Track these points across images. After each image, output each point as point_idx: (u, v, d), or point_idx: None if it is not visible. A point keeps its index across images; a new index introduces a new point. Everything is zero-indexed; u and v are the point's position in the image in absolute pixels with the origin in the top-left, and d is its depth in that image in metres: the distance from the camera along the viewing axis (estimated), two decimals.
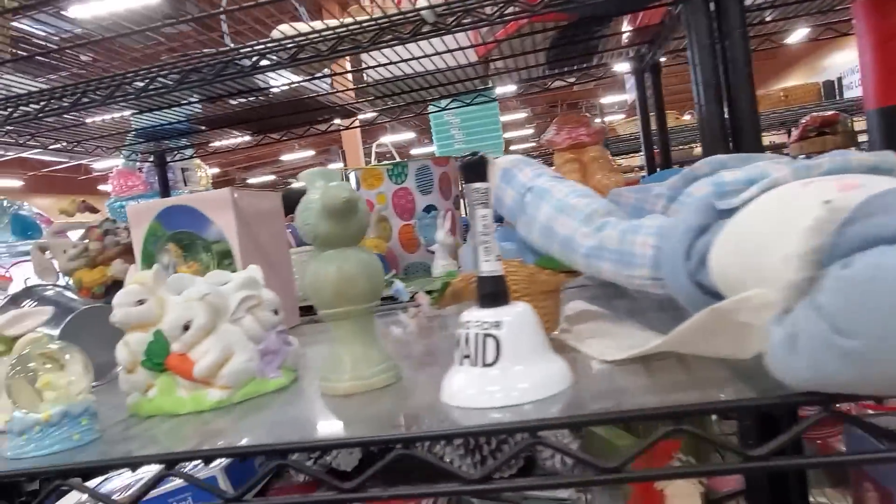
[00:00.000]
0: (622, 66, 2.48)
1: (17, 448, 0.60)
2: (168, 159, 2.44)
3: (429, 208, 1.97)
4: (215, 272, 0.77)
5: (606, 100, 14.03)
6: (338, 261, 0.64)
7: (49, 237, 1.18)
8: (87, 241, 1.19)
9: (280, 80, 1.78)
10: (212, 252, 1.14)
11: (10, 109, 1.56)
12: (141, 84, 1.50)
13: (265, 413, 0.64)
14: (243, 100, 1.95)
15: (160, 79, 1.49)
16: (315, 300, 0.66)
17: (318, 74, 1.92)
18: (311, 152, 15.79)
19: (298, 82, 1.80)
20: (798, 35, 2.04)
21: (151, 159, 2.43)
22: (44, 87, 1.53)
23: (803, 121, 3.14)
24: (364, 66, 1.92)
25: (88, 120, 2.00)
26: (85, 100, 1.55)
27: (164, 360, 0.67)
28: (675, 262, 0.54)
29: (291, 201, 2.27)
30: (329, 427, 0.58)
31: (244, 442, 0.55)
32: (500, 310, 0.55)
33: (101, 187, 14.09)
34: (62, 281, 1.21)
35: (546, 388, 0.53)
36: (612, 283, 0.66)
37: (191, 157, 2.48)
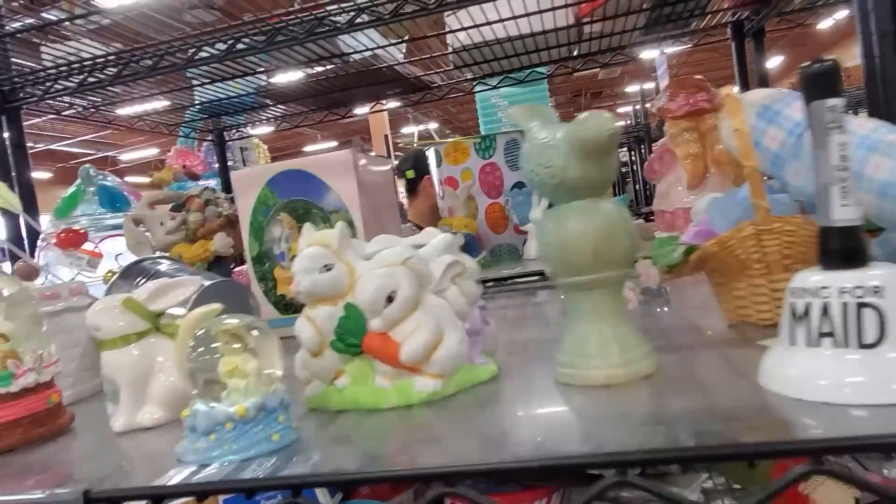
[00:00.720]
0: (650, 54, 2.32)
1: (204, 450, 0.46)
2: (227, 138, 2.31)
3: (518, 185, 1.83)
4: (382, 236, 0.63)
5: (631, 88, 13.77)
6: (597, 214, 0.50)
7: (143, 208, 1.05)
8: (186, 212, 1.05)
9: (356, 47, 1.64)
10: (330, 223, 1.00)
11: (84, 74, 1.44)
12: (223, 46, 1.37)
13: (495, 409, 0.50)
14: (318, 68, 1.81)
15: (246, 39, 1.36)
16: (559, 264, 0.51)
17: (398, 40, 1.78)
18: (333, 143, 15.68)
19: (384, 46, 1.66)
20: (830, 21, 1.90)
21: (210, 138, 2.31)
22: (121, 48, 1.41)
23: None
24: (448, 29, 1.78)
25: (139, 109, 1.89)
26: (164, 63, 1.43)
27: (360, 341, 0.54)
28: None
29: (422, 163, 2.12)
30: (640, 434, 0.42)
31: (527, 452, 0.41)
32: (873, 271, 0.40)
33: (129, 178, 14.12)
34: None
35: None
36: None
37: (249, 136, 2.35)
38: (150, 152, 12.08)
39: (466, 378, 0.56)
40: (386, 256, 0.55)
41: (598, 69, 2.23)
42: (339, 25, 1.31)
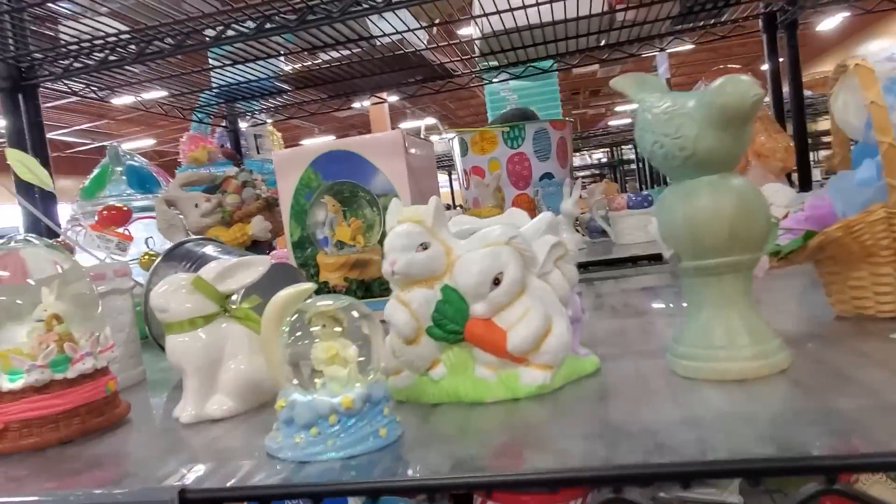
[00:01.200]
0: (677, 46, 2.29)
1: (304, 446, 0.41)
2: (241, 124, 2.26)
3: (546, 176, 1.78)
4: (460, 216, 0.59)
5: None
6: (732, 191, 0.45)
7: (175, 189, 0.99)
8: (222, 194, 1.00)
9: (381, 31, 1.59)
10: (377, 206, 0.95)
11: (105, 52, 1.38)
12: (253, 24, 1.32)
13: (618, 404, 0.45)
14: (344, 52, 1.76)
15: (278, 17, 1.31)
16: (686, 245, 0.47)
17: (428, 24, 1.73)
18: (331, 137, 15.57)
19: (414, 30, 1.61)
20: (831, 22, 1.88)
21: (224, 124, 2.25)
22: (146, 25, 1.35)
23: None
24: (475, 14, 1.72)
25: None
26: (189, 42, 1.37)
27: (462, 327, 0.49)
28: None
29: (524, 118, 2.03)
30: (834, 435, 0.36)
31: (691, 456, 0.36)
32: None
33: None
34: None
35: None
36: None
37: (264, 122, 2.29)
38: (147, 142, 11.96)
39: (572, 370, 0.51)
40: (487, 235, 0.50)
41: (597, 64, 2.19)
42: (375, 3, 1.26)
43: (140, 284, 0.78)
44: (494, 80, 2.13)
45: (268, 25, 1.28)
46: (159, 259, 0.78)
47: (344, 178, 0.96)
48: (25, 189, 1.42)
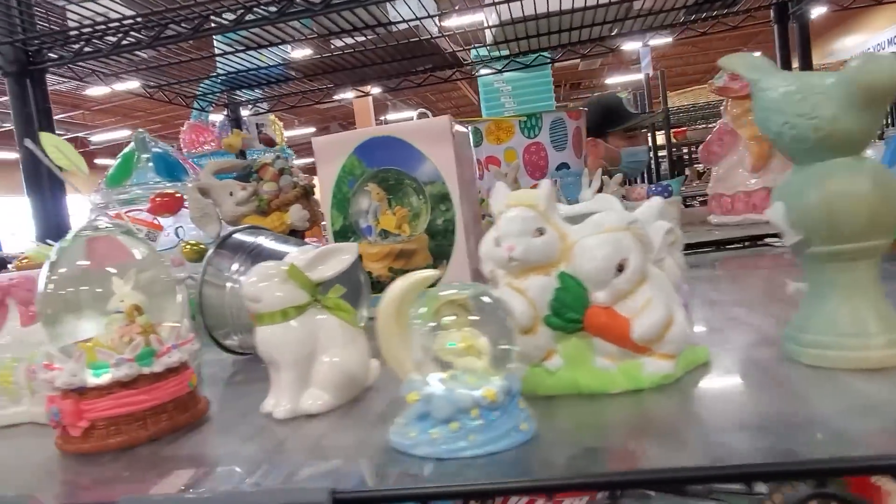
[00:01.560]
0: (632, 45, 2.29)
1: (443, 441, 0.39)
2: (242, 113, 2.21)
3: (562, 166, 1.76)
4: (601, 195, 0.56)
5: (612, 80, 13.80)
6: (870, 173, 0.44)
7: (208, 177, 0.96)
8: (258, 181, 0.97)
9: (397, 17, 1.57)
10: (424, 195, 0.92)
11: (119, 36, 1.33)
12: (276, 8, 1.28)
13: (759, 395, 0.43)
14: (354, 39, 1.72)
15: (300, 0, 1.27)
16: (820, 230, 0.45)
17: (446, 10, 1.70)
18: (311, 129, 15.41)
19: (434, 16, 1.58)
20: (811, 15, 1.91)
21: (226, 113, 2.20)
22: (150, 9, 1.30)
23: None
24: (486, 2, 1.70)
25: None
26: (208, 26, 1.33)
27: (582, 316, 0.47)
28: None
29: (609, 110, 2.03)
30: None
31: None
32: None
33: (98, 161, 13.65)
34: (224, 230, 0.99)
35: None
36: None
37: (268, 111, 2.25)
38: (122, 133, 11.71)
39: (688, 360, 0.49)
40: (604, 220, 0.48)
41: (579, 59, 2.18)
42: None
43: (192, 277, 0.75)
44: (503, 69, 2.10)
45: (291, 9, 1.25)
46: (211, 250, 0.74)
47: (389, 166, 0.93)
48: (34, 179, 1.37)
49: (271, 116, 2.20)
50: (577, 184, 1.64)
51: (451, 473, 0.36)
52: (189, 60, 1.70)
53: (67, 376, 0.48)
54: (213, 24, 1.31)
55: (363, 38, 1.68)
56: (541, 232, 0.47)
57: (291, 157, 2.04)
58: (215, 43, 1.75)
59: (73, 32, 1.34)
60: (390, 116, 13.15)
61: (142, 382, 0.49)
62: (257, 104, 2.21)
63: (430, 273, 0.44)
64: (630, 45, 2.28)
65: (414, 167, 0.92)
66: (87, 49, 1.36)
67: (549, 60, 2.13)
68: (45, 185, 1.35)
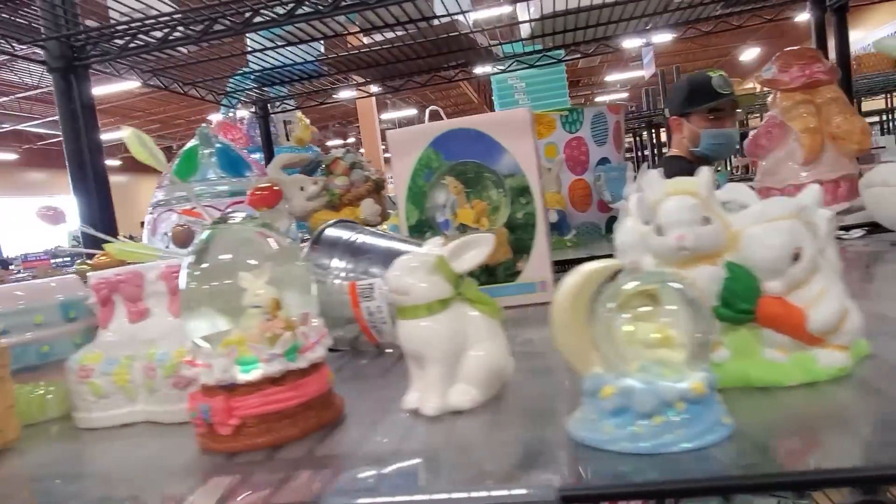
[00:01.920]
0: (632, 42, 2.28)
1: (647, 437, 0.37)
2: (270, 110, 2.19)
3: (603, 161, 1.75)
4: (732, 185, 0.55)
5: (610, 77, 13.80)
6: None
7: (277, 171, 0.94)
8: (328, 176, 0.95)
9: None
10: (504, 188, 0.91)
11: (166, 31, 1.31)
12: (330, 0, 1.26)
13: None
14: (395, 33, 1.70)
15: None
16: None
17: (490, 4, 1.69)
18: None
19: (481, 7, 1.56)
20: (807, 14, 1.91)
21: (253, 110, 2.18)
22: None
23: None
24: None
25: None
26: (258, 19, 1.31)
27: (753, 307, 0.45)
28: None
29: (694, 88, 1.98)
30: None
31: None
32: None
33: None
34: (293, 225, 0.97)
35: None
36: None
37: (295, 108, 2.22)
38: (120, 134, 11.65)
39: (854, 352, 0.48)
40: (769, 209, 0.47)
41: (580, 57, 2.18)
42: None
43: None
44: (538, 64, 2.09)
45: (344, 3, 1.23)
46: (307, 246, 0.73)
47: (468, 158, 0.91)
48: (80, 177, 1.35)
49: (298, 114, 2.18)
50: (622, 178, 1.64)
51: (668, 469, 0.35)
52: (228, 56, 1.68)
53: (219, 372, 0.46)
54: (262, 18, 1.29)
55: (402, 33, 1.66)
56: (707, 220, 0.46)
57: (318, 155, 2.01)
58: (248, 39, 1.73)
59: (120, 27, 1.32)
60: (388, 116, 13.11)
61: (289, 379, 0.48)
62: (285, 101, 2.19)
63: (607, 263, 0.42)
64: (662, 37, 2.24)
65: (493, 160, 0.91)
66: (132, 44, 1.34)
67: (582, 55, 2.11)
68: (90, 183, 1.34)
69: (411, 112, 13.87)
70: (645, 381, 0.38)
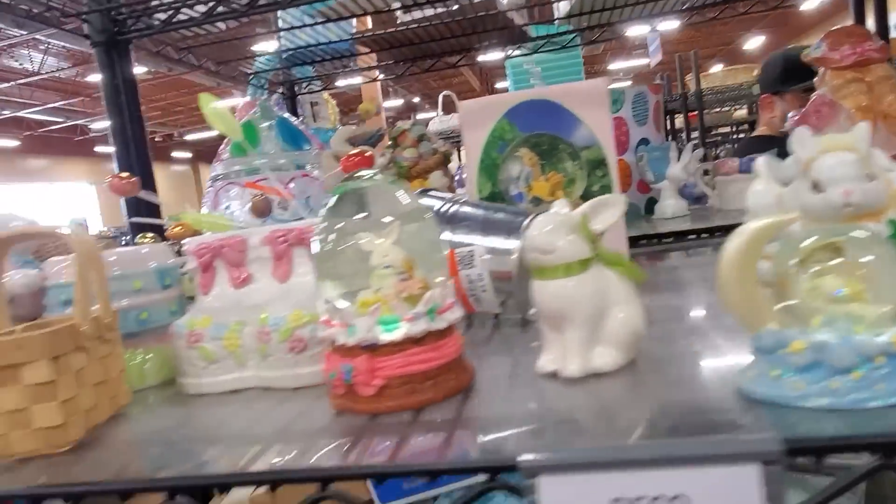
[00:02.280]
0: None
1: (844, 392, 0.36)
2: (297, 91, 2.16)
3: (643, 141, 1.73)
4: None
5: (614, 66, 13.74)
6: None
7: (342, 144, 0.92)
8: (396, 148, 0.93)
9: None
10: (580, 160, 0.89)
11: (211, 4, 1.29)
12: None
13: None
14: (435, 10, 1.68)
15: None
16: None
17: None
18: None
19: None
20: (813, 1, 1.87)
21: (280, 90, 2.15)
22: None
23: None
24: None
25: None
26: None
27: None
28: None
29: (788, 65, 1.85)
30: None
31: None
32: None
33: (98, 149, 13.48)
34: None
35: None
36: None
37: (322, 89, 2.20)
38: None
39: None
40: None
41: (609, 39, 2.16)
42: None
43: None
44: (569, 45, 2.06)
45: None
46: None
47: (543, 130, 0.89)
48: (125, 157, 1.33)
49: (325, 95, 2.15)
50: (665, 158, 1.62)
51: (879, 425, 0.33)
52: (255, 35, 1.66)
53: (363, 332, 0.45)
54: None
55: (442, 10, 1.64)
56: (871, 176, 0.44)
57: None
58: (279, 17, 1.71)
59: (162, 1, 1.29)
60: (389, 103, 13.04)
61: (429, 340, 0.46)
62: (312, 81, 2.16)
63: (788, 216, 0.41)
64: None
65: (569, 131, 0.89)
66: (179, 16, 1.31)
67: (611, 38, 2.08)
68: (134, 163, 1.32)
69: (412, 100, 13.79)
70: (836, 335, 0.36)
